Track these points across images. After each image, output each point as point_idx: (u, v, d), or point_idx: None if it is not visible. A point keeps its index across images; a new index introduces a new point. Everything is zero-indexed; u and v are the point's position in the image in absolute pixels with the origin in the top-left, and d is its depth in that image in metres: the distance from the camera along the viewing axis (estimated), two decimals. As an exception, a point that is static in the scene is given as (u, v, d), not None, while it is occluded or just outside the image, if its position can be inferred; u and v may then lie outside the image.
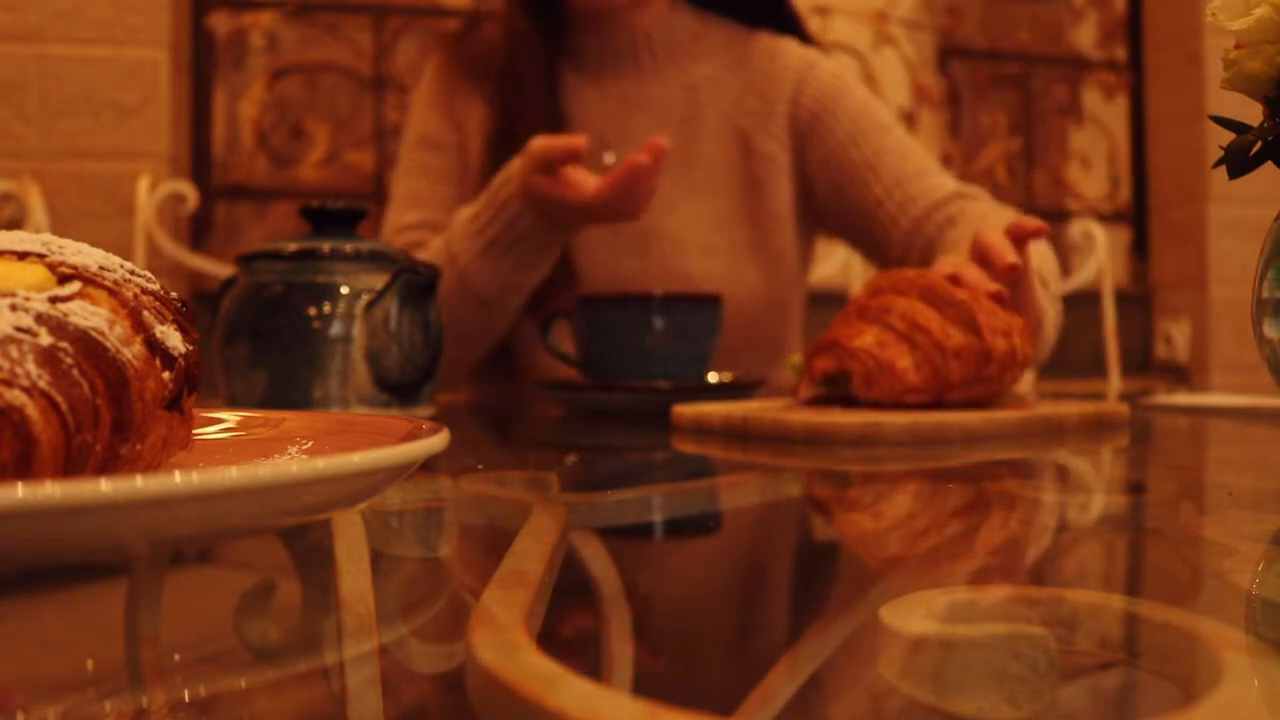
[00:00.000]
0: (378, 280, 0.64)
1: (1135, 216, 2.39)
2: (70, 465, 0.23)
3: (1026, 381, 1.08)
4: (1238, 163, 0.37)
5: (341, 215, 0.68)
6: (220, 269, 1.63)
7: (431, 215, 1.04)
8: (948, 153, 2.25)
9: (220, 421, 0.38)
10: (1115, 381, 1.95)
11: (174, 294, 0.30)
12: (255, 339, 0.63)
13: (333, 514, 0.32)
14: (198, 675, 0.20)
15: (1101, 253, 1.94)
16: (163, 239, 1.68)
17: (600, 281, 0.99)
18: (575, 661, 0.17)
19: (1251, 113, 0.39)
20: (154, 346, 0.26)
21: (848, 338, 0.62)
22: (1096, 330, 1.97)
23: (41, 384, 0.22)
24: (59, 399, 0.23)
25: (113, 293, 0.26)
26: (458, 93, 1.09)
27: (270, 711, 0.19)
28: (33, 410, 0.22)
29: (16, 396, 0.22)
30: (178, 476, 0.19)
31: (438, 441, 0.28)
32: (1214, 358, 2.20)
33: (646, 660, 0.21)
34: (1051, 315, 0.86)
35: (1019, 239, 0.71)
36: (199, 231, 1.90)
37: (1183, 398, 0.96)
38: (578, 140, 0.82)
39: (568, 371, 0.88)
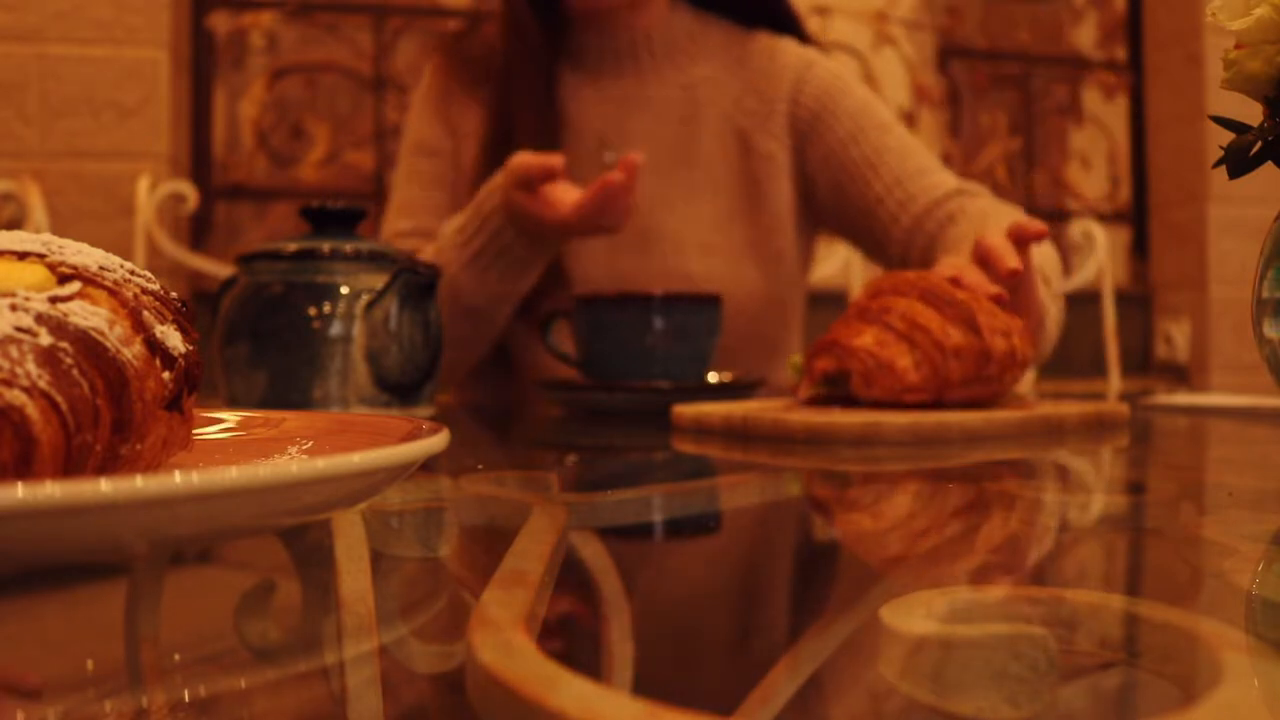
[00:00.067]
0: (378, 280, 0.64)
1: (1135, 216, 2.39)
2: (70, 465, 0.23)
3: (1026, 381, 1.08)
4: (1238, 163, 0.37)
5: (341, 215, 0.68)
6: (220, 269, 1.63)
7: (425, 222, 1.05)
8: (948, 153, 2.25)
9: (220, 421, 0.38)
10: (1115, 381, 1.95)
11: (174, 294, 0.30)
12: (255, 339, 0.63)
13: (333, 514, 0.32)
14: (198, 675, 0.20)
15: (1101, 253, 1.94)
16: (163, 239, 1.68)
17: (600, 281, 0.99)
18: (575, 661, 0.17)
19: (1251, 113, 0.39)
20: (154, 346, 0.26)
21: (847, 337, 0.62)
22: (1096, 330, 1.97)
23: (41, 384, 0.22)
24: (59, 399, 0.23)
25: (113, 293, 0.26)
26: (454, 96, 1.09)
27: (270, 711, 0.19)
28: (33, 410, 0.22)
29: (16, 396, 0.22)
30: (178, 476, 0.19)
31: (438, 441, 0.28)
32: (1214, 358, 2.20)
33: (646, 660, 0.21)
34: (1054, 313, 0.86)
35: (1020, 241, 0.71)
36: (199, 231, 1.90)
37: (1183, 398, 0.96)
38: (554, 160, 0.83)
39: (568, 371, 0.88)
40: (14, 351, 0.22)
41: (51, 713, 0.18)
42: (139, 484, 0.19)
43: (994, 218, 0.90)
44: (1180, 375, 2.26)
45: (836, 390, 0.64)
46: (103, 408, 0.24)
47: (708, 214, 1.05)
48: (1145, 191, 2.38)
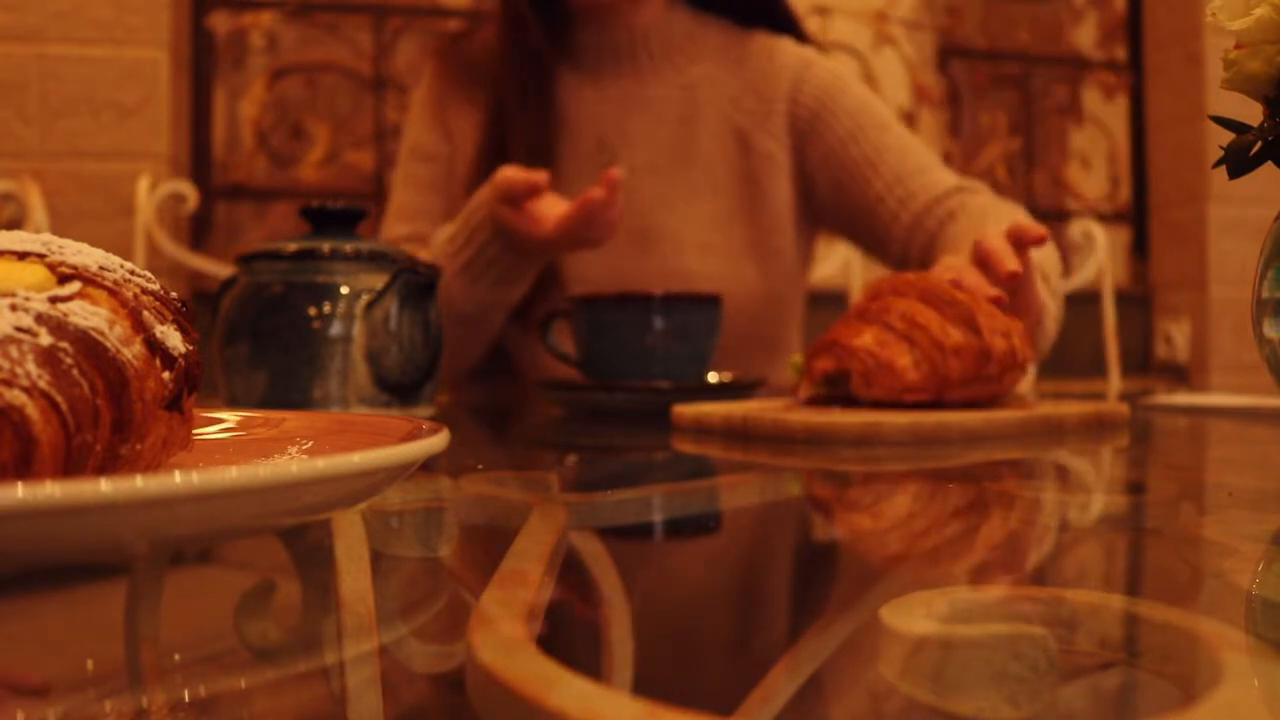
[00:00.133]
0: (378, 280, 0.64)
1: (1135, 216, 2.39)
2: (70, 465, 0.23)
3: (1027, 381, 1.08)
4: (1238, 163, 0.37)
5: (341, 215, 0.68)
6: (220, 269, 1.63)
7: (421, 227, 1.05)
8: (948, 153, 2.25)
9: (220, 421, 0.38)
10: (1115, 381, 1.95)
11: (174, 294, 0.30)
12: (255, 339, 0.63)
13: (333, 514, 0.32)
14: (198, 675, 0.20)
15: (1101, 253, 1.94)
16: (163, 239, 1.68)
17: (599, 281, 0.99)
18: (575, 661, 0.17)
19: (1251, 113, 0.39)
20: (154, 346, 0.26)
21: (847, 337, 0.62)
22: (1096, 330, 1.97)
23: (41, 384, 0.22)
24: (59, 399, 0.23)
25: (113, 293, 0.26)
26: (451, 100, 1.10)
27: (270, 711, 0.19)
28: (33, 410, 0.22)
29: (16, 396, 0.22)
30: (178, 476, 0.19)
31: (438, 441, 0.28)
32: (1214, 358, 2.20)
33: (646, 660, 0.21)
34: (1053, 310, 0.87)
35: (1020, 244, 0.71)
36: (199, 231, 1.90)
37: (1183, 398, 0.96)
38: (539, 176, 0.84)
39: (568, 371, 0.88)
40: (14, 351, 0.22)
41: (51, 713, 0.18)
42: (139, 484, 0.19)
43: (993, 215, 0.90)
44: (1180, 375, 2.26)
45: (836, 390, 0.64)
46: (103, 408, 0.24)
47: (707, 213, 1.05)
48: (1145, 191, 2.38)
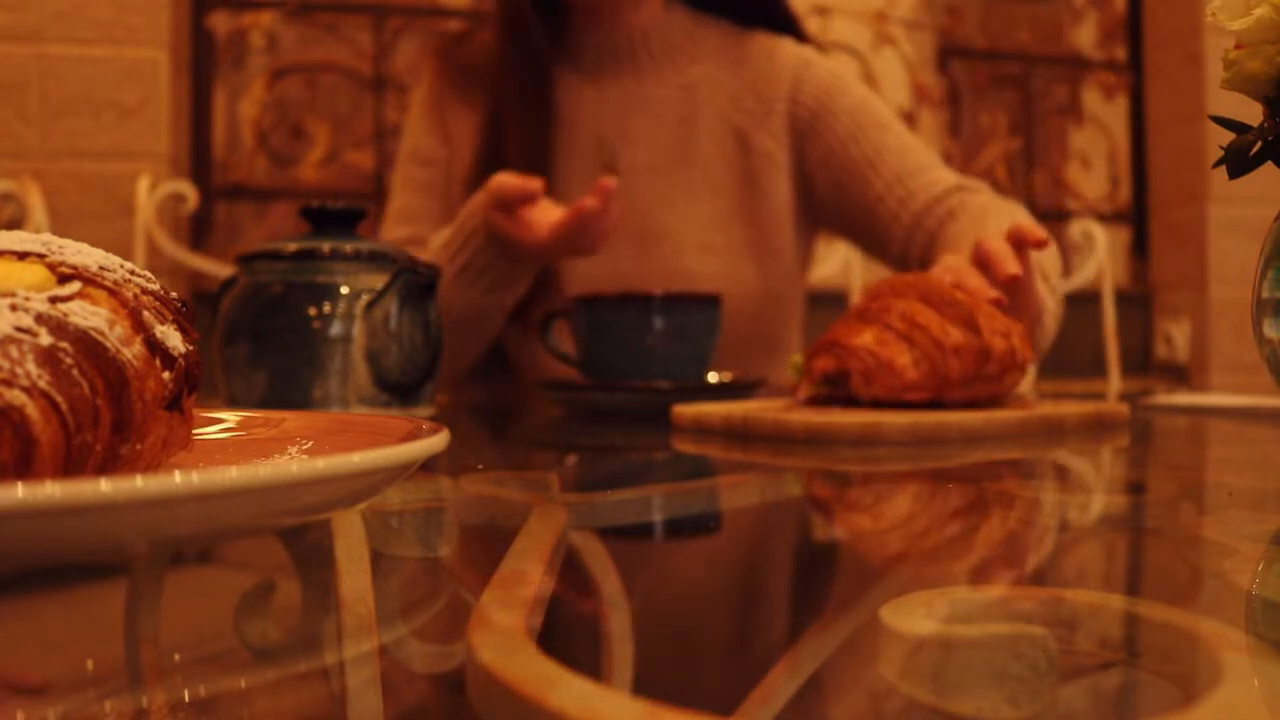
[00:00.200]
0: (378, 280, 0.64)
1: (1135, 216, 2.39)
2: (70, 465, 0.23)
3: (1027, 381, 1.08)
4: (1238, 163, 0.37)
5: (341, 215, 0.68)
6: (220, 269, 1.63)
7: (420, 230, 1.05)
8: (948, 153, 2.25)
9: (220, 421, 0.38)
10: (1115, 381, 1.95)
11: (174, 294, 0.30)
12: (255, 339, 0.63)
13: (333, 514, 0.32)
14: (198, 675, 0.20)
15: (1101, 253, 1.94)
16: (163, 239, 1.68)
17: (599, 280, 0.99)
18: (575, 661, 0.17)
19: (1251, 113, 0.39)
20: (154, 346, 0.26)
21: (847, 336, 0.63)
22: (1096, 330, 1.97)
23: (41, 384, 0.22)
24: (59, 399, 0.23)
25: (113, 293, 0.26)
26: (449, 102, 1.10)
27: (270, 711, 0.19)
28: (33, 410, 0.22)
29: (16, 396, 0.22)
30: (178, 476, 0.19)
31: (438, 441, 0.28)
32: (1214, 358, 2.20)
33: (646, 660, 0.21)
34: (1052, 308, 0.87)
35: (1020, 246, 0.71)
36: (199, 231, 1.90)
37: (1183, 398, 0.96)
38: (534, 183, 0.84)
39: (568, 371, 0.88)
40: (14, 351, 0.22)
41: (51, 713, 0.18)
42: (139, 484, 0.19)
43: (993, 214, 0.90)
44: (1180, 375, 2.26)
45: (836, 390, 0.64)
46: (103, 408, 0.24)
47: (706, 213, 1.05)
48: (1145, 191, 2.38)
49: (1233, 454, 0.57)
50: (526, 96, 1.03)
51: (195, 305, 1.31)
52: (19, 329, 0.23)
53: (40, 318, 0.23)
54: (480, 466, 0.50)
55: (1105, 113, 2.38)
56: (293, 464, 0.22)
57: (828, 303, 1.73)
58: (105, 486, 0.18)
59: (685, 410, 0.64)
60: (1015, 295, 0.71)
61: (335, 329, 0.63)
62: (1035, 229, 0.72)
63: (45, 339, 0.23)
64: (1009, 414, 0.59)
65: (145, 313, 0.27)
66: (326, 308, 0.63)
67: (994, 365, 0.62)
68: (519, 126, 1.02)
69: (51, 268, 0.26)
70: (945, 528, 0.35)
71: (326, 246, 0.65)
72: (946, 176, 1.00)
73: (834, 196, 1.06)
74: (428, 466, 0.45)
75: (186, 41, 1.89)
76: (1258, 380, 1.03)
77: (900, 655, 0.19)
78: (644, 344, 0.79)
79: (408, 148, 1.12)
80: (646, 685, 0.19)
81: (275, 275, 0.65)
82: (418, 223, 1.06)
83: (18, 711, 0.17)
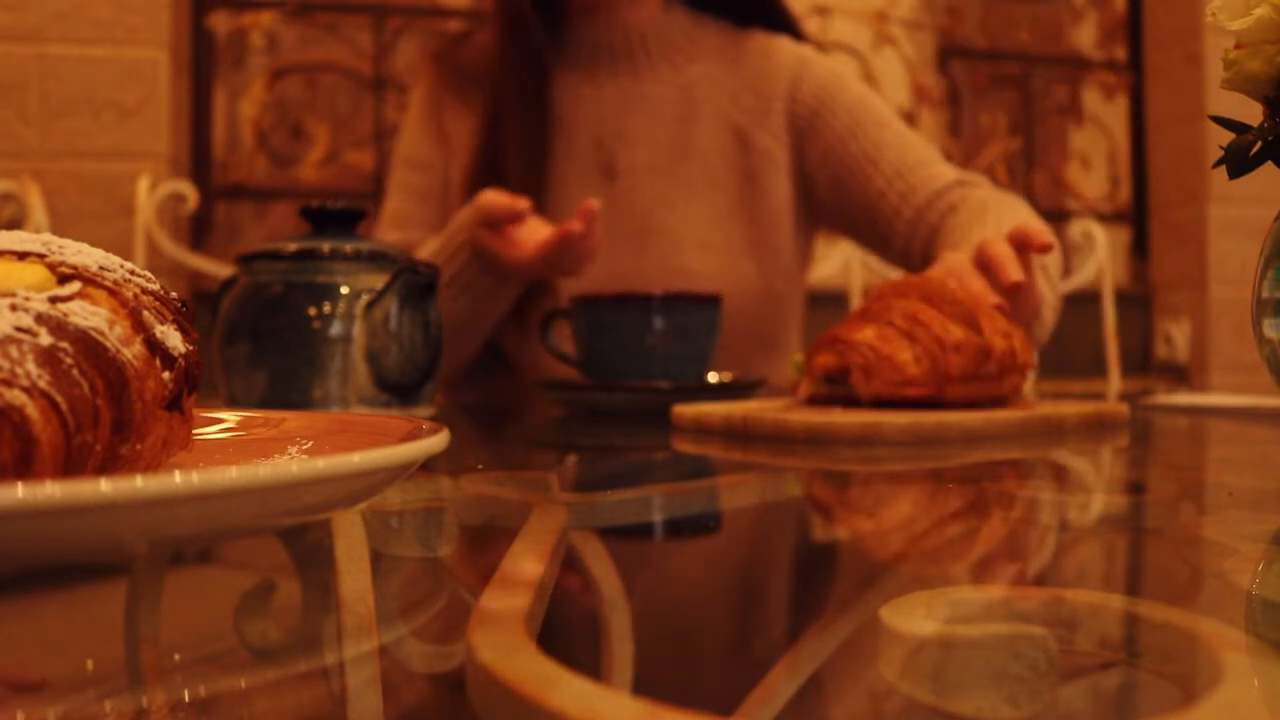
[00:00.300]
0: (378, 280, 0.64)
1: (1135, 216, 2.39)
2: (70, 465, 0.23)
3: (1026, 385, 1.08)
4: (1238, 163, 0.37)
5: (341, 215, 0.68)
6: (220, 269, 1.63)
7: (413, 235, 1.06)
8: (948, 153, 2.25)
9: (220, 421, 0.38)
10: (1115, 381, 1.95)
11: (174, 294, 0.30)
12: (255, 339, 0.63)
13: (333, 514, 0.32)
14: (198, 675, 0.20)
15: (1101, 253, 1.94)
16: (163, 239, 1.68)
17: (598, 279, 0.99)
18: (575, 661, 0.17)
19: (1251, 113, 0.39)
20: (154, 346, 0.26)
21: (848, 333, 0.63)
22: (1096, 330, 1.97)
23: (41, 384, 0.22)
24: (59, 399, 0.23)
25: (113, 293, 0.26)
26: (446, 105, 1.10)
27: (270, 711, 0.19)
28: (33, 410, 0.22)
29: (16, 396, 0.22)
30: (178, 476, 0.19)
31: (438, 441, 0.28)
32: (1214, 358, 2.20)
33: (646, 660, 0.21)
34: (1051, 300, 0.87)
35: (1023, 248, 0.71)
36: (199, 231, 1.90)
37: (1183, 398, 0.96)
38: (521, 203, 0.85)
39: (568, 371, 0.88)
40: (14, 351, 0.22)
41: (51, 713, 0.18)
42: (139, 484, 0.19)
43: (994, 208, 0.91)
44: (1180, 375, 2.26)
45: (837, 389, 0.64)
46: (103, 408, 0.24)
47: (706, 211, 1.05)
48: (1145, 191, 2.38)
49: (1233, 454, 0.57)
50: (525, 96, 1.03)
51: (195, 305, 1.31)
52: (19, 329, 0.23)
53: (40, 318, 0.23)
54: (480, 466, 0.50)
55: (1105, 113, 2.38)
56: (293, 464, 0.22)
57: (828, 303, 1.73)
58: (105, 486, 0.18)
59: (685, 410, 0.64)
60: (1017, 297, 0.71)
61: (335, 329, 0.63)
62: (1039, 231, 0.72)
63: (45, 339, 0.23)
64: (1009, 414, 0.59)
65: (145, 313, 0.27)
66: (326, 308, 0.63)
67: (994, 364, 0.62)
68: (517, 126, 1.02)
69: (51, 268, 0.26)
70: (945, 528, 0.35)
71: (326, 246, 0.65)
72: (947, 171, 1.01)
73: (834, 193, 1.06)
74: (428, 466, 0.45)
75: (186, 41, 1.89)
76: (1258, 380, 1.03)
77: (900, 655, 0.19)
78: (644, 344, 0.79)
79: (403, 152, 1.12)
80: (646, 685, 0.19)
81: (275, 275, 0.65)
82: (411, 228, 1.07)
83: (18, 711, 0.17)
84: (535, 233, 0.86)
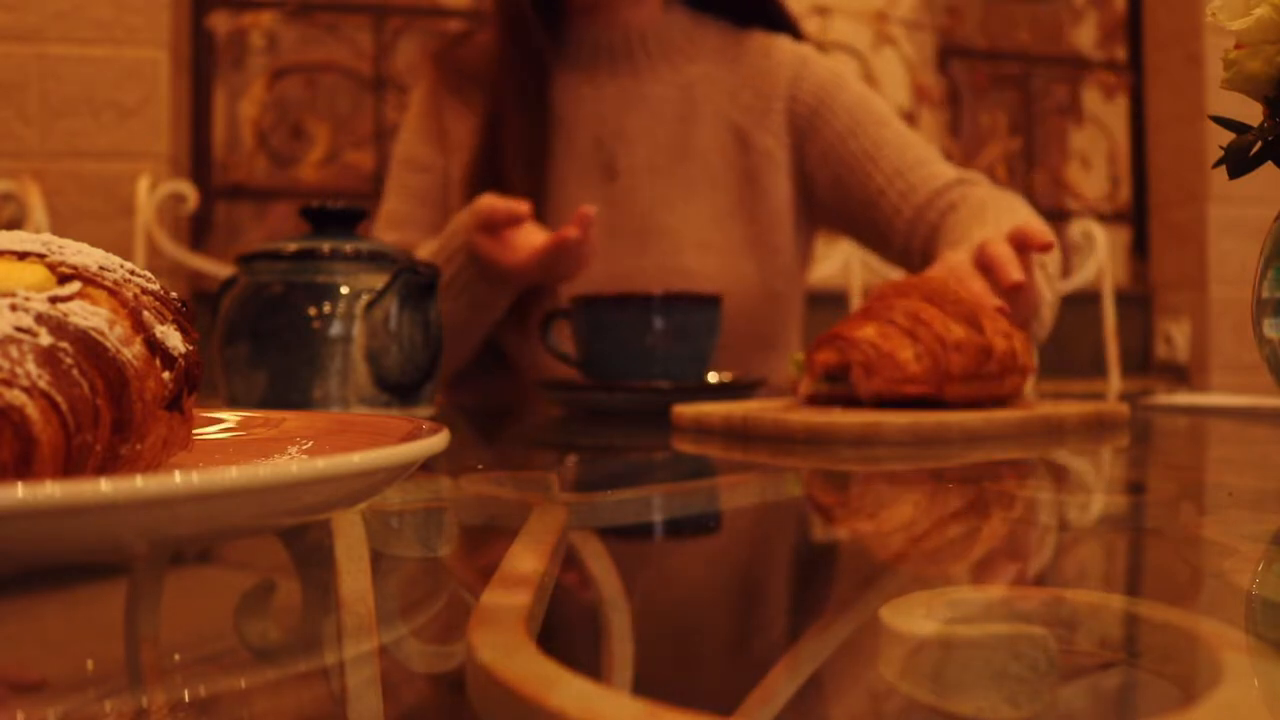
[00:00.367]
0: (378, 280, 0.64)
1: (1135, 216, 2.39)
2: (70, 465, 0.23)
3: (1026, 386, 1.08)
4: (1238, 163, 0.37)
5: (341, 215, 0.68)
6: (220, 269, 1.63)
7: (408, 238, 1.06)
8: (948, 153, 2.25)
9: (220, 421, 0.38)
10: (1115, 381, 1.95)
11: (174, 294, 0.30)
12: (255, 339, 0.63)
13: (333, 514, 0.32)
14: (198, 675, 0.20)
15: (1101, 253, 1.94)
16: (163, 239, 1.68)
17: (598, 279, 0.99)
18: (575, 661, 0.17)
19: (1251, 113, 0.39)
20: (154, 346, 0.26)
21: (849, 330, 0.63)
22: (1096, 330, 1.97)
23: (41, 384, 0.22)
24: (59, 399, 0.23)
25: (113, 293, 0.26)
26: (446, 106, 1.10)
27: (270, 711, 0.19)
28: (33, 410, 0.22)
29: (16, 396, 0.22)
30: (178, 476, 0.19)
31: (438, 441, 0.28)
32: (1214, 358, 2.20)
33: (646, 660, 0.21)
34: (1049, 299, 0.87)
35: (1023, 249, 0.71)
36: (199, 231, 1.90)
37: (1183, 398, 0.96)
38: (521, 206, 0.85)
39: (568, 371, 0.88)
40: (14, 351, 0.22)
41: (51, 713, 0.18)
42: (139, 484, 0.19)
43: (993, 207, 0.91)
44: (1180, 375, 2.26)
45: (838, 387, 0.64)
46: (103, 408, 0.24)
47: (706, 211, 1.05)
48: (1145, 191, 2.38)
49: (1233, 454, 0.57)
50: (525, 96, 1.03)
51: (195, 305, 1.31)
52: (19, 329, 0.23)
53: (40, 318, 0.23)
54: (480, 466, 0.50)
55: (1105, 113, 2.38)
56: (293, 464, 0.22)
57: (828, 303, 1.73)
58: (105, 486, 0.18)
59: (685, 410, 0.64)
60: (1017, 297, 0.71)
61: (335, 329, 0.63)
62: (1039, 231, 0.72)
63: (45, 339, 0.23)
64: (1009, 414, 0.59)
65: (145, 313, 0.27)
66: (326, 308, 0.63)
67: (995, 364, 0.62)
68: (518, 126, 1.02)
69: (51, 268, 0.26)
70: (945, 528, 0.35)
71: (326, 246, 0.65)
72: (946, 170, 1.01)
73: (834, 192, 1.06)
74: (428, 466, 0.45)
75: (186, 41, 1.89)
76: (1258, 380, 1.03)
77: (900, 655, 0.19)
78: (644, 344, 0.79)
79: (402, 153, 1.12)
80: (646, 685, 0.19)
81: (275, 275, 0.65)
82: (408, 229, 1.07)
83: (18, 711, 0.17)
84: (531, 238, 0.86)
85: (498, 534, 0.33)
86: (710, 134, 1.07)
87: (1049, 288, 0.86)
